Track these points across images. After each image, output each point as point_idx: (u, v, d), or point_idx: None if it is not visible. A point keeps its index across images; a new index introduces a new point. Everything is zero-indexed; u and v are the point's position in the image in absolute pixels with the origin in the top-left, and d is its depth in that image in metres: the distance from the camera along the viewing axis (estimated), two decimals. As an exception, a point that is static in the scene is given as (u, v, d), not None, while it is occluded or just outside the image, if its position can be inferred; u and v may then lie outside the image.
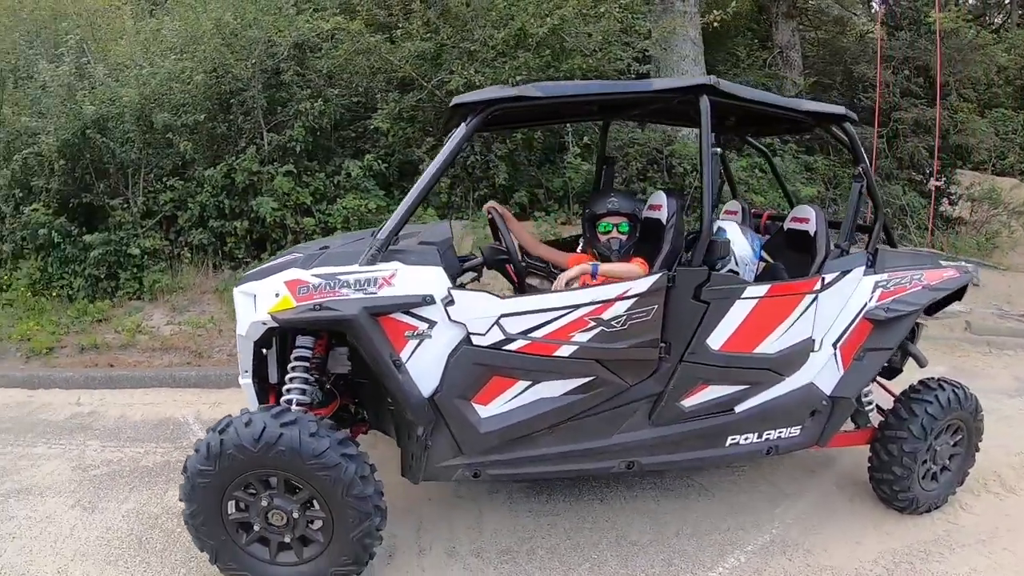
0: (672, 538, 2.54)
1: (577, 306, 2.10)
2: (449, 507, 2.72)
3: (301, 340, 2.29)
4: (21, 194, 4.94)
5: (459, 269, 2.30)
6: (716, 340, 2.22)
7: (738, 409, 2.35)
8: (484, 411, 2.14)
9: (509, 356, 2.10)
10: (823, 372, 2.44)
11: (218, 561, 2.14)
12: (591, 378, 2.16)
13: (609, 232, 2.43)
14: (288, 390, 2.23)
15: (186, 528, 2.12)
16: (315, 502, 2.06)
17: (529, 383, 2.14)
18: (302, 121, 5.52)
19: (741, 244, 2.47)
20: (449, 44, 6.09)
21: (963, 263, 3.54)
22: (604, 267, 2.29)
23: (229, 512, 2.09)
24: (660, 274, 2.12)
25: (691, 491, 2.86)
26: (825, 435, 2.53)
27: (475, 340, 2.08)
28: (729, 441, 2.39)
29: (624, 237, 2.43)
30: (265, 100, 5.53)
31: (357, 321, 1.99)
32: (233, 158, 5.38)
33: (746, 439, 2.41)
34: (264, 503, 2.07)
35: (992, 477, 3.03)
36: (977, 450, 2.77)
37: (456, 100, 2.19)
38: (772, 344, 2.30)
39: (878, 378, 2.93)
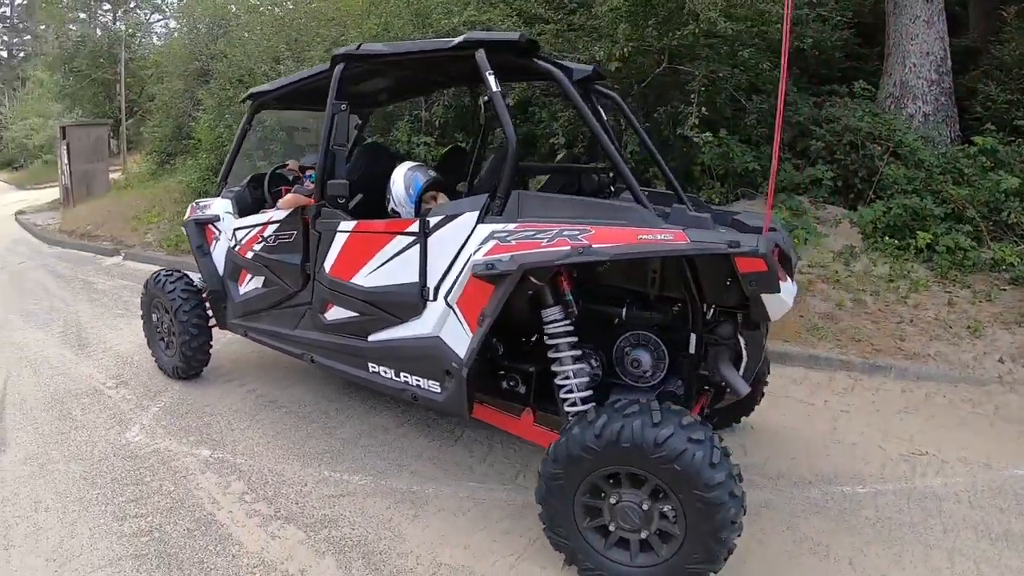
0: (391, 467, 3.03)
1: (255, 225, 3.44)
2: (322, 387, 4.06)
3: None
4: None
5: (249, 203, 3.82)
6: (327, 265, 2.93)
7: (370, 338, 2.79)
8: (239, 290, 3.65)
9: (236, 255, 3.58)
10: (449, 329, 2.48)
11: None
12: (265, 278, 3.39)
13: (304, 181, 3.52)
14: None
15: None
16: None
17: (250, 275, 3.53)
18: (443, 101, 7.61)
19: (398, 186, 2.91)
20: (580, 23, 7.19)
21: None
22: (279, 202, 3.29)
23: (153, 321, 4.21)
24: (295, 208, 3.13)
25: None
26: (470, 405, 2.50)
27: (230, 243, 3.65)
28: (371, 367, 2.80)
29: (312, 184, 3.29)
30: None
31: (187, 227, 3.98)
32: (394, 132, 7.89)
33: (385, 372, 2.75)
34: (160, 317, 4.12)
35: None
36: (719, 542, 1.96)
37: (243, 96, 3.82)
38: (364, 278, 2.75)
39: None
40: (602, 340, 2.55)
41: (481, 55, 2.43)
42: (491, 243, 2.30)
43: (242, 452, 3.17)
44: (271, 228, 3.31)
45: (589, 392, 2.40)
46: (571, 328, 2.38)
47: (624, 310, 2.44)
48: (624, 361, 2.48)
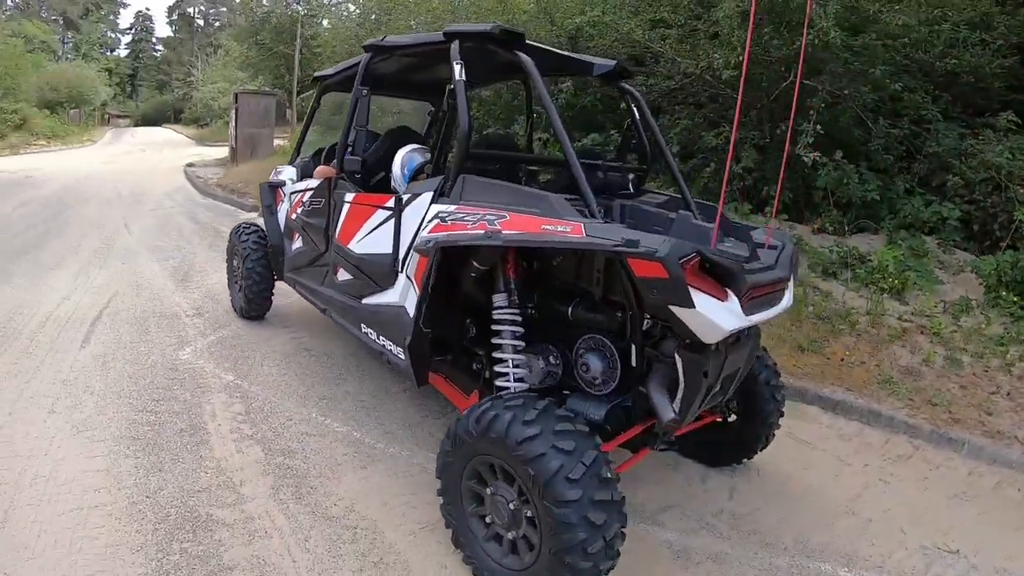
0: (370, 423, 3.61)
1: (300, 191, 3.99)
2: (357, 344, 4.73)
3: None
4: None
5: (310, 173, 4.34)
6: (337, 231, 3.36)
7: (363, 301, 3.10)
8: (291, 246, 4.22)
9: (288, 216, 4.16)
10: (410, 300, 2.71)
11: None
12: (303, 237, 3.90)
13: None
14: None
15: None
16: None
17: (298, 235, 4.06)
18: (562, 99, 7.98)
19: (396, 166, 3.26)
20: (703, 28, 7.14)
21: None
22: (314, 172, 3.88)
23: (233, 265, 4.96)
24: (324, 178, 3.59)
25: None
26: (417, 375, 2.76)
27: (287, 206, 4.22)
28: (362, 328, 3.11)
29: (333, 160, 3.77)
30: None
31: (261, 188, 4.64)
32: (515, 126, 8.37)
33: (371, 334, 3.03)
34: (237, 263, 4.85)
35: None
36: (564, 567, 1.91)
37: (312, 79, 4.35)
38: (355, 245, 3.14)
39: None
40: (565, 340, 2.58)
41: (455, 46, 2.63)
42: (435, 222, 2.50)
43: (258, 383, 3.73)
44: (307, 195, 3.85)
45: (526, 385, 2.49)
46: (516, 316, 2.51)
47: (570, 309, 2.48)
48: (578, 364, 2.49)
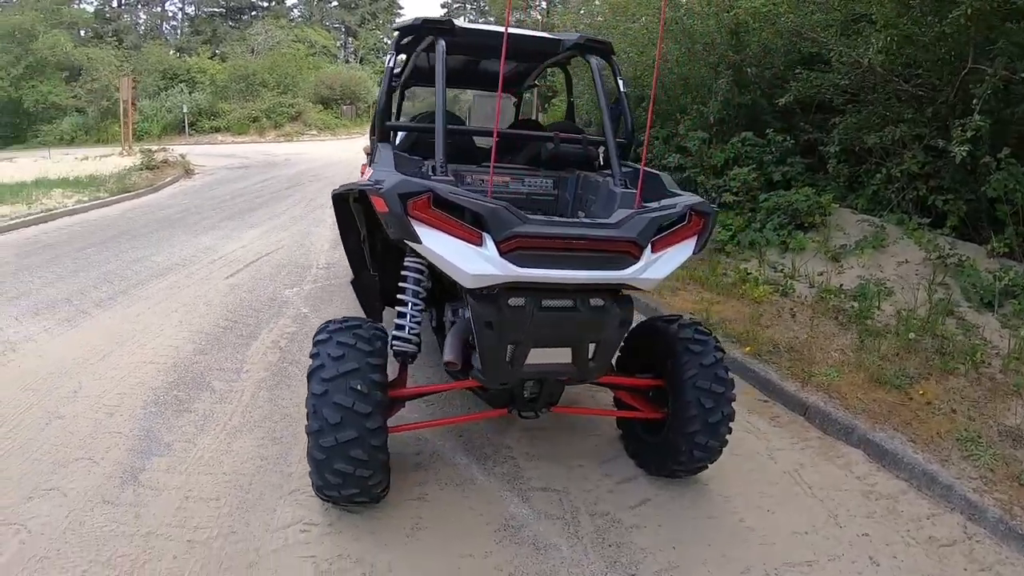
0: None
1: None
2: None
3: None
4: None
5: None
6: None
7: None
8: None
9: None
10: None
11: None
12: None
13: None
14: None
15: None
16: None
17: None
18: (719, 98, 8.09)
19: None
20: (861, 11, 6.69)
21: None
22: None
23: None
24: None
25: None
26: (364, 308, 3.71)
27: None
28: None
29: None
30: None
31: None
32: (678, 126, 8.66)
33: None
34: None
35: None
36: (311, 458, 2.35)
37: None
38: None
39: None
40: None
41: (397, 35, 3.30)
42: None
43: (321, 316, 4.91)
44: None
45: (417, 336, 2.77)
46: (420, 267, 2.76)
47: None
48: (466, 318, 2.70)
